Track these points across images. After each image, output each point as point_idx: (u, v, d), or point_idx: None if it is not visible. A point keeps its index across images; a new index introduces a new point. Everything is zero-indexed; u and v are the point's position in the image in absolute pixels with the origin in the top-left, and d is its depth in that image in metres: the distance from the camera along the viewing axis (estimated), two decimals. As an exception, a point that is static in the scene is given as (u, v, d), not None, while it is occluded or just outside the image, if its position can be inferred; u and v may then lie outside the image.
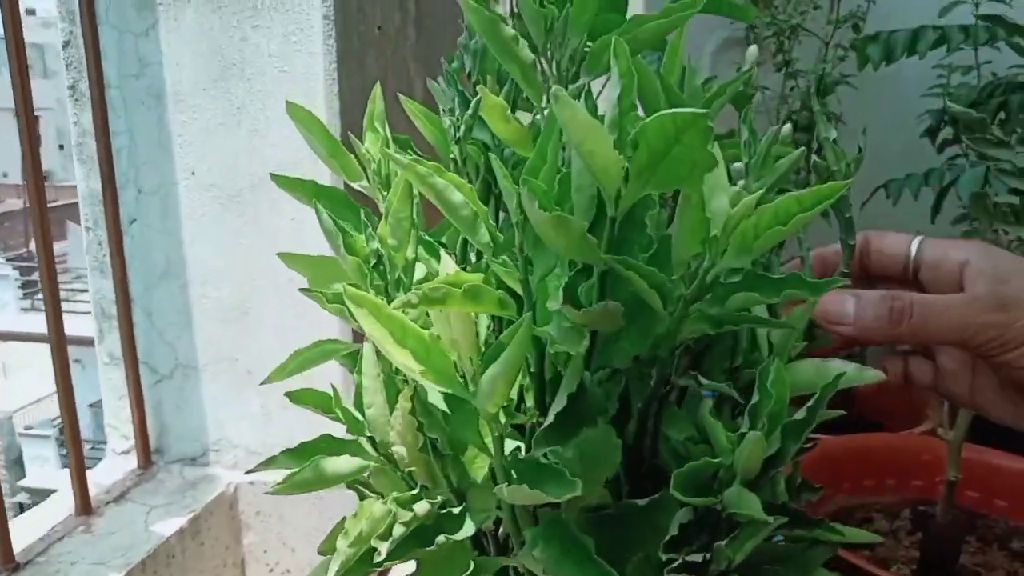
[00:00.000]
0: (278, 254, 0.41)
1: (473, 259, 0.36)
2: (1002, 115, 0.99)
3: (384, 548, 0.31)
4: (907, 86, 1.14)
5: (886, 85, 1.12)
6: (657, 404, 0.35)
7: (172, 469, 0.88)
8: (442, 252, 0.30)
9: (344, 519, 0.35)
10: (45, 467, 8.73)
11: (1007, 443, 0.81)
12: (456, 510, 0.34)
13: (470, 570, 0.34)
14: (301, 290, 0.39)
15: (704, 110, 0.24)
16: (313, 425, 0.54)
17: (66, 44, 0.78)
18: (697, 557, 0.30)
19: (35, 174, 0.71)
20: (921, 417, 0.87)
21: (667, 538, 0.30)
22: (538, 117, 0.35)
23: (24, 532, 0.74)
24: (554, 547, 0.31)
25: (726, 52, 1.14)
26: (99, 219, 0.83)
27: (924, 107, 1.14)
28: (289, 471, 0.35)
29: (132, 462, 0.88)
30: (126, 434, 0.89)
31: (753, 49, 0.67)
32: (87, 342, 0.89)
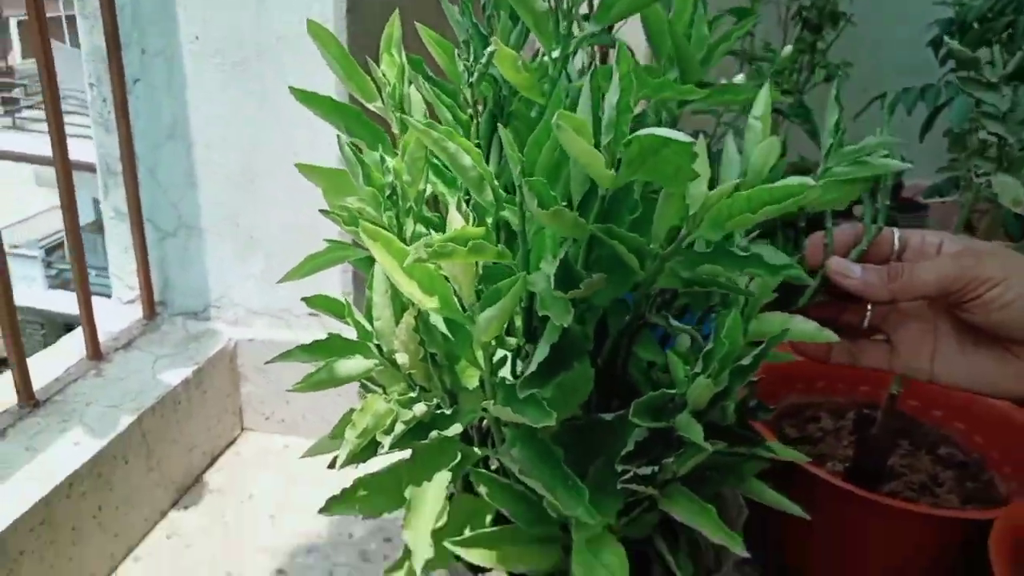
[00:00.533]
0: (296, 164, 0.43)
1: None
2: (1010, 31, 0.99)
3: (387, 441, 0.36)
4: (920, -12, 1.11)
5: (900, -13, 1.09)
6: (630, 333, 0.39)
7: (176, 321, 0.93)
8: (451, 206, 0.33)
9: (352, 411, 0.40)
10: (32, 287, 8.85)
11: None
12: (448, 411, 0.39)
13: (457, 460, 0.40)
14: (321, 211, 0.42)
15: (691, 139, 0.27)
16: (311, 287, 0.58)
17: None
18: (647, 470, 0.35)
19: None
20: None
21: (623, 453, 0.35)
22: (546, 59, 0.37)
23: (39, 372, 0.80)
24: (529, 450, 0.37)
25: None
26: (103, 76, 0.83)
27: (936, 14, 1.12)
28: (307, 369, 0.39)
29: (137, 312, 0.93)
30: (131, 285, 0.93)
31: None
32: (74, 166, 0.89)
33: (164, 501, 0.82)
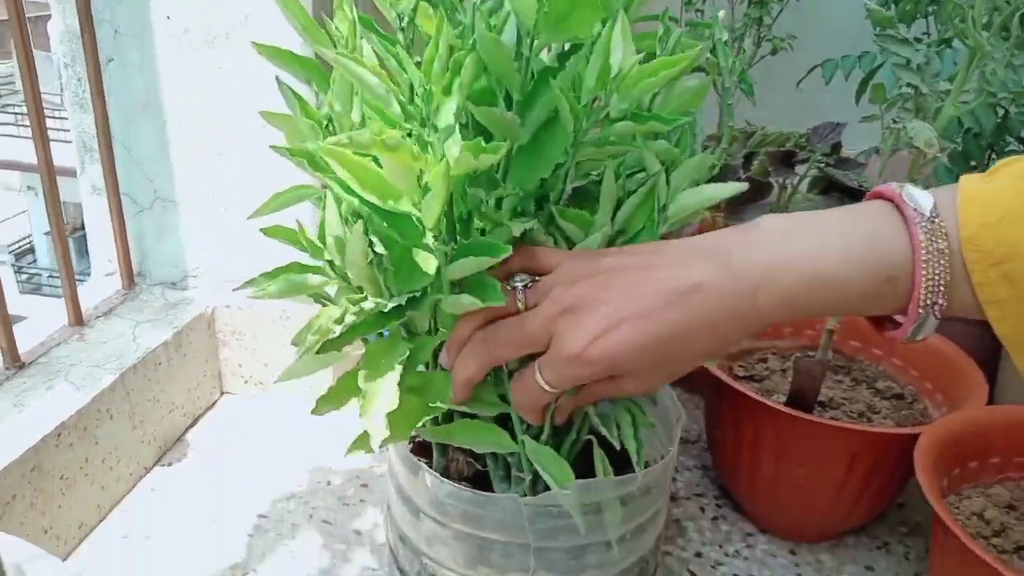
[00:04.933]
0: (260, 112, 0.47)
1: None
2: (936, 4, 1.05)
3: (338, 329, 0.41)
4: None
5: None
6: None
7: (154, 291, 0.97)
8: (375, 116, 0.37)
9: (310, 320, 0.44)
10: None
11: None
12: (390, 306, 0.43)
13: (406, 356, 0.44)
14: (272, 147, 0.46)
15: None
16: (281, 256, 0.61)
17: None
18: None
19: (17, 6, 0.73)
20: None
21: None
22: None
23: (23, 338, 0.83)
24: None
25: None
26: (77, 56, 0.87)
27: (876, -15, 1.18)
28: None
29: (116, 283, 0.96)
30: (109, 258, 0.97)
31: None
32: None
33: (148, 458, 0.86)
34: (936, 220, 0.37)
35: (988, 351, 0.87)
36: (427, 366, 0.46)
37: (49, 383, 0.78)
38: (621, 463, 0.50)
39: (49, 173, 0.79)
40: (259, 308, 0.95)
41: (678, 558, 0.79)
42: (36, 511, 0.70)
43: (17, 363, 0.80)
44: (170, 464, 0.87)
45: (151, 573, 0.73)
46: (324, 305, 0.46)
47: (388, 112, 0.38)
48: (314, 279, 0.44)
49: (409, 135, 0.38)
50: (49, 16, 0.89)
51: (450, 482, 0.49)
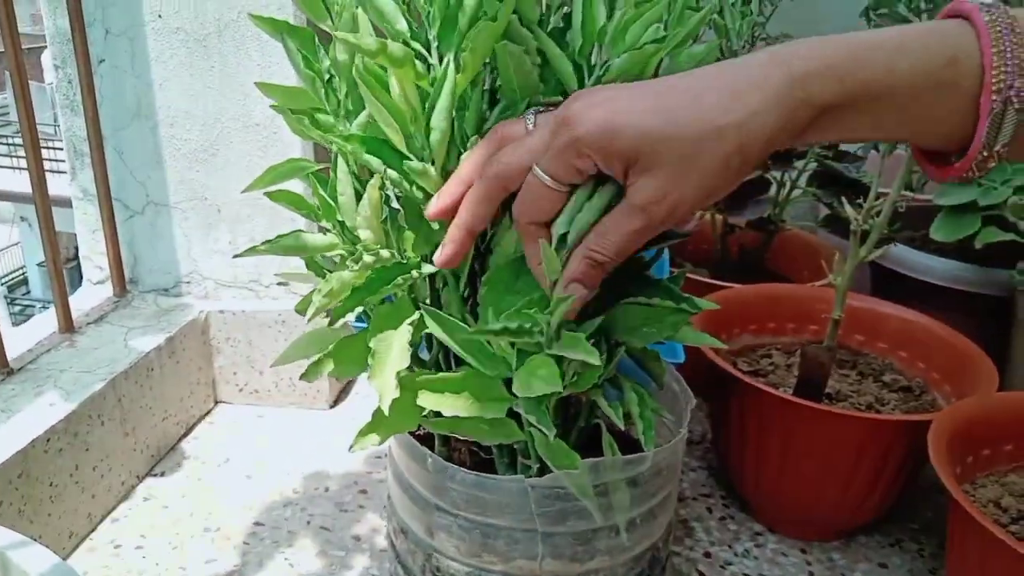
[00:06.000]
0: (256, 83, 0.46)
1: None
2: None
3: (350, 264, 0.39)
4: None
5: None
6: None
7: (146, 298, 0.95)
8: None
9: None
10: (-2, 325, 8.68)
11: (893, 296, 0.93)
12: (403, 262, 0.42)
13: (417, 316, 0.43)
14: (272, 106, 0.45)
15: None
16: (277, 259, 0.58)
17: None
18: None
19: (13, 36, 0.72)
20: (824, 274, 0.98)
21: None
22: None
23: (12, 345, 0.81)
24: (496, 287, 0.40)
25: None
26: (68, 58, 0.86)
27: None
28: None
29: (108, 291, 0.95)
30: (100, 265, 0.95)
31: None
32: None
33: (141, 466, 0.84)
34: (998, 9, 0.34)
35: (997, 340, 0.85)
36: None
37: (39, 389, 0.76)
38: (630, 452, 0.48)
39: (38, 171, 0.77)
40: (253, 313, 0.93)
41: (686, 558, 0.77)
42: (25, 519, 0.68)
43: (5, 368, 0.78)
44: (163, 473, 0.85)
45: (143, 582, 0.70)
46: (323, 278, 0.44)
47: (398, 28, 0.37)
48: (324, 239, 0.42)
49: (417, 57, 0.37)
50: (43, 48, 0.88)
51: (454, 466, 0.47)
